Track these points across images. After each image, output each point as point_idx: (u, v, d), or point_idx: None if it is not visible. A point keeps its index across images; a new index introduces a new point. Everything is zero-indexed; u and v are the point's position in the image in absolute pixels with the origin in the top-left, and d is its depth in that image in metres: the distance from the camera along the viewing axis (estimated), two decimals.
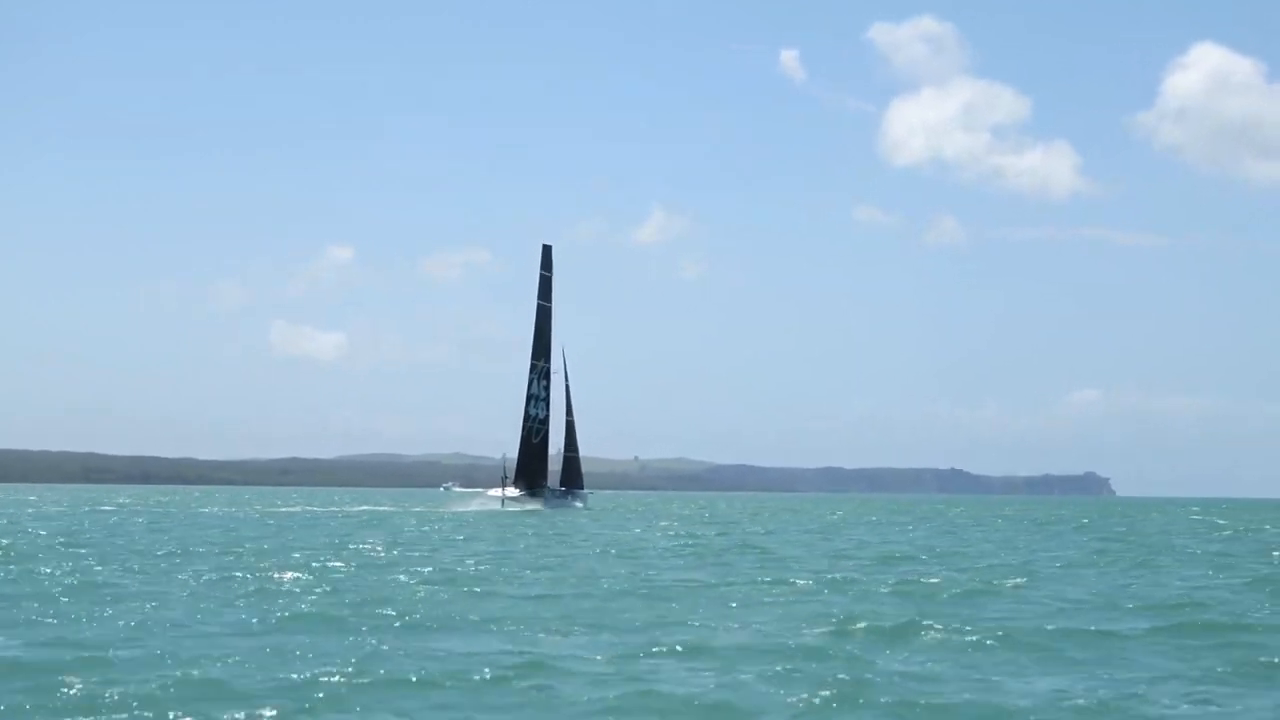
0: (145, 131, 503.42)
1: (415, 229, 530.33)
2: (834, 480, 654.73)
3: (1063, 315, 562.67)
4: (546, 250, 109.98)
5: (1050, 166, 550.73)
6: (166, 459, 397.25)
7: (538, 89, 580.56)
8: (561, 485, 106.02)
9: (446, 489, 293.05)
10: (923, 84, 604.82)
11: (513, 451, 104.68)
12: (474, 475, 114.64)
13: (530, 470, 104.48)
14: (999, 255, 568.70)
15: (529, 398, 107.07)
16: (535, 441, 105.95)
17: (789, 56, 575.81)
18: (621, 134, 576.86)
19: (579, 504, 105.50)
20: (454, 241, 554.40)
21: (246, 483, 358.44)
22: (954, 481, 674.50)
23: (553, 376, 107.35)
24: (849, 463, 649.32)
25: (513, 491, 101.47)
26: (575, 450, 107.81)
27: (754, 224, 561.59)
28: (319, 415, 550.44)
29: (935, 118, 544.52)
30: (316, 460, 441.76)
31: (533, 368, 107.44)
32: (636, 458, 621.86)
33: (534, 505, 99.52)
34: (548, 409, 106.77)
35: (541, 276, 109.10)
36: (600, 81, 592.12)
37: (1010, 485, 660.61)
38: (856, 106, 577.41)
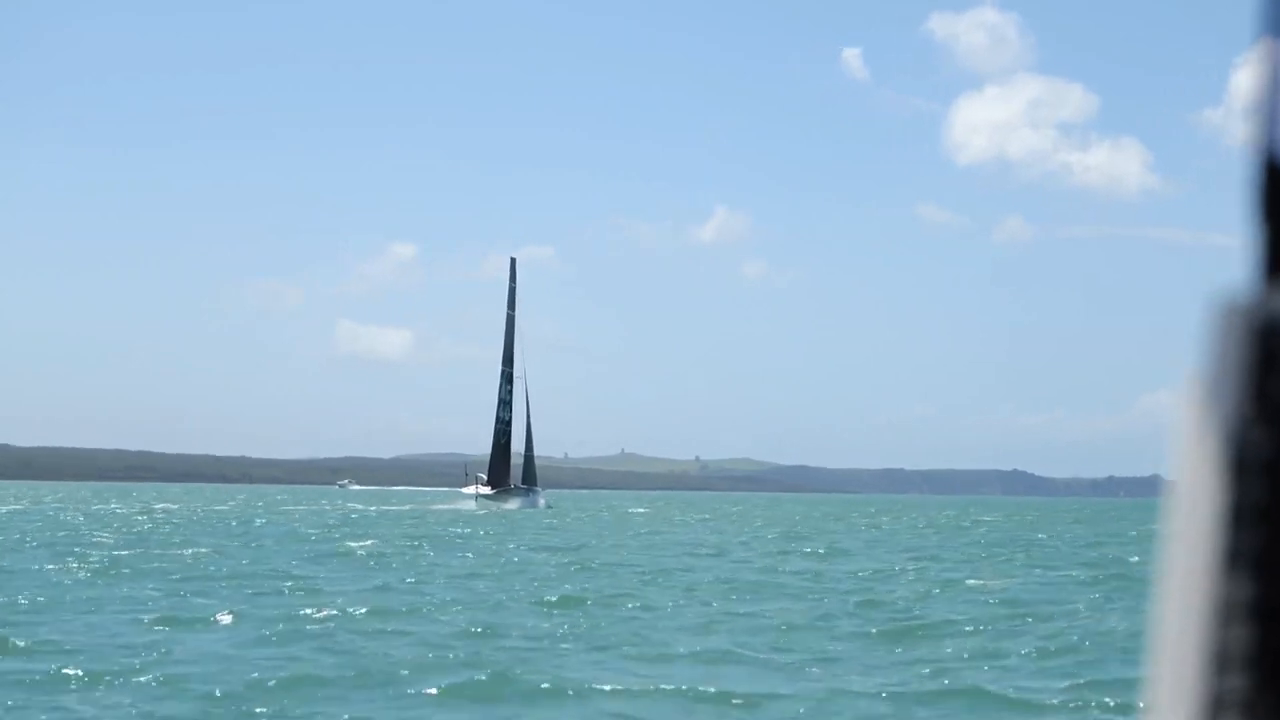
0: (204, 130, 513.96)
1: (477, 226, 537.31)
2: (895, 482, 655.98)
3: (1132, 314, 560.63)
4: (512, 263, 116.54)
5: (1119, 164, 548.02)
6: (215, 457, 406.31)
7: (607, 91, 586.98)
8: (523, 483, 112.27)
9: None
10: (986, 80, 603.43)
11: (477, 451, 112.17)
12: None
13: (499, 471, 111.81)
14: (1066, 254, 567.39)
15: (499, 402, 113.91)
16: (502, 443, 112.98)
17: (851, 55, 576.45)
18: (684, 134, 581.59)
19: (542, 502, 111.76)
20: (515, 238, 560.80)
21: (291, 481, 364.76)
22: (1018, 483, 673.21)
23: (515, 381, 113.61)
24: (911, 464, 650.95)
25: (486, 491, 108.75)
26: (531, 450, 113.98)
27: (817, 223, 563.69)
28: (384, 415, 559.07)
29: (1000, 115, 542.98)
30: (372, 459, 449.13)
31: (502, 373, 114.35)
32: (698, 458, 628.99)
33: (509, 505, 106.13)
34: (511, 412, 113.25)
35: (509, 288, 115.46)
36: (663, 83, 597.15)
37: (1075, 487, 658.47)
38: (920, 104, 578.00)
